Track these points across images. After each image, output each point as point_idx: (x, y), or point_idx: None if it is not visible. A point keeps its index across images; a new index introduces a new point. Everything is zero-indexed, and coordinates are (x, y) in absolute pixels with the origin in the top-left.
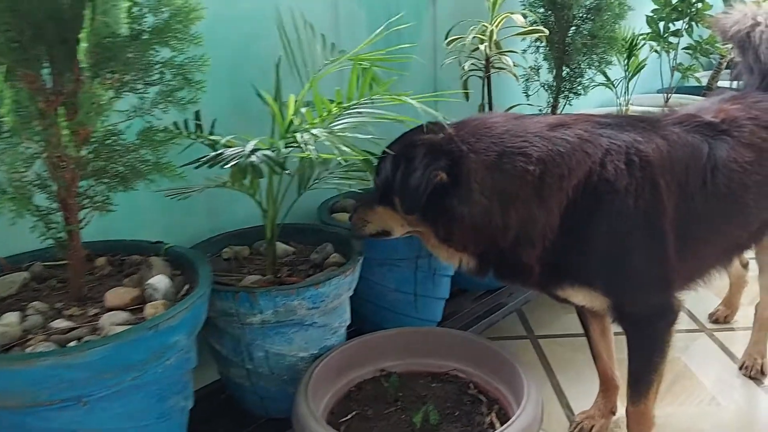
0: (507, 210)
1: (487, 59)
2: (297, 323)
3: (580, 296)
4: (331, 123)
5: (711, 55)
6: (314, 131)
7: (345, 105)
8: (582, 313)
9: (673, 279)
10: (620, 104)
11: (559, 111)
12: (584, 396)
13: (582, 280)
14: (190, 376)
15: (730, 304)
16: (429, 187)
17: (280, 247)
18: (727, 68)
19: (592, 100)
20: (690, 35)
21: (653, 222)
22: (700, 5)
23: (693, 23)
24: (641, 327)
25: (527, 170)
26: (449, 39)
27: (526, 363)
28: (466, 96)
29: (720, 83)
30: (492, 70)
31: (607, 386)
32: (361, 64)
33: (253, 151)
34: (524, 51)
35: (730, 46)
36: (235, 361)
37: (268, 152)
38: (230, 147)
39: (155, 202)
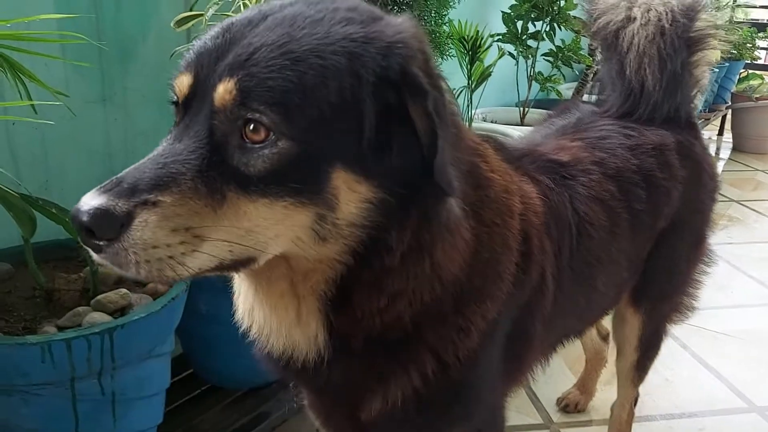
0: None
1: None
2: None
3: None
4: None
5: (575, 64)
6: None
7: None
8: None
9: None
10: (463, 120)
11: None
12: None
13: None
14: None
15: (585, 387)
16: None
17: None
18: (594, 79)
19: None
20: (551, 39)
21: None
22: (563, 3)
23: (555, 25)
24: None
25: None
26: (180, 17)
27: None
28: None
29: (586, 97)
30: None
31: None
32: None
33: None
34: None
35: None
36: None
37: None
38: None
39: None
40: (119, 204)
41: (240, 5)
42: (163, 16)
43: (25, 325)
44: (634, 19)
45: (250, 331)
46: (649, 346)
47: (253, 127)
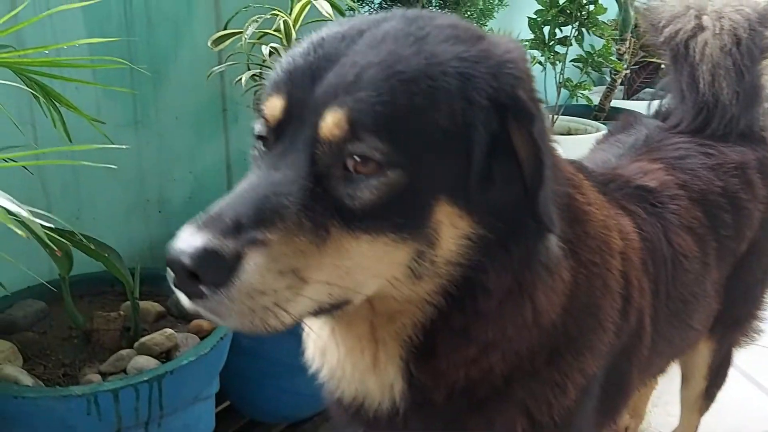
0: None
1: None
2: None
3: None
4: None
5: (604, 69)
6: None
7: None
8: None
9: None
10: None
11: None
12: None
13: None
14: None
15: (636, 410)
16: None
17: None
18: (621, 85)
19: None
20: (580, 44)
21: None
22: (592, 8)
23: (584, 30)
24: None
25: None
26: (217, 36)
27: None
28: None
29: (613, 102)
30: None
31: None
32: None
33: None
34: None
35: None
36: None
37: None
38: None
39: None
40: (227, 243)
41: (280, 23)
42: (195, 37)
43: (65, 371)
44: (705, 28)
45: (319, 373)
46: (718, 373)
47: (362, 158)
